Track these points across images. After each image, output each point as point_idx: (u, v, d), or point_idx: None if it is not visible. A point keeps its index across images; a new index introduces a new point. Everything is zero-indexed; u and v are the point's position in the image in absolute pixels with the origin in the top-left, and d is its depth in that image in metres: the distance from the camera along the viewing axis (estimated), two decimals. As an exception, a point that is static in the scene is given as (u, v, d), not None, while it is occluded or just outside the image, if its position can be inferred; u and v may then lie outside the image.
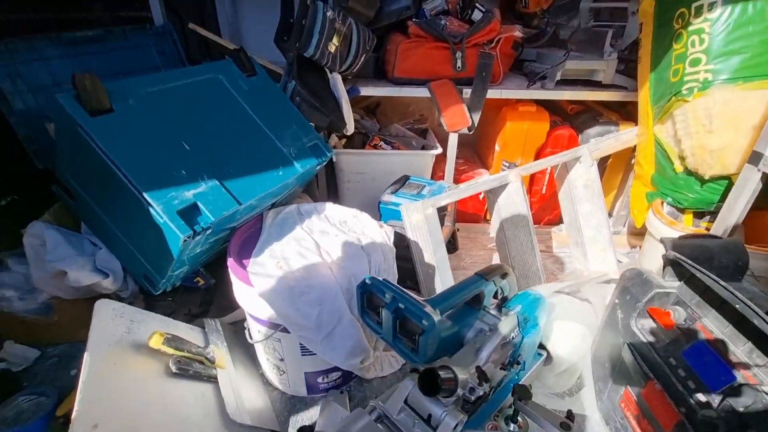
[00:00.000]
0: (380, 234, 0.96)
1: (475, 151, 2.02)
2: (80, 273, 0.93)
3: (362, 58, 1.36)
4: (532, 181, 1.73)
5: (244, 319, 0.98)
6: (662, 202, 1.26)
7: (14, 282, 1.05)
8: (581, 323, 0.99)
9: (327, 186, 1.71)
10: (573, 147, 1.41)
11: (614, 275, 1.34)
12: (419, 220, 1.08)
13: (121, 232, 0.90)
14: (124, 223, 0.88)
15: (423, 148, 1.67)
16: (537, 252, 1.23)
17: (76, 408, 0.64)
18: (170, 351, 0.87)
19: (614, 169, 1.63)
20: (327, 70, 1.31)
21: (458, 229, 1.62)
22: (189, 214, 0.79)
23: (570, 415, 0.69)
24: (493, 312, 0.82)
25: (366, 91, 1.50)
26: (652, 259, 1.30)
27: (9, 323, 1.06)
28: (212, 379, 0.91)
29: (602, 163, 1.62)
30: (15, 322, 1.05)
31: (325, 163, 1.11)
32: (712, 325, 0.68)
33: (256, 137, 0.98)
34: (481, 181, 1.19)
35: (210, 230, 0.81)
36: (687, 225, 1.22)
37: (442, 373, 0.62)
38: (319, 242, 0.92)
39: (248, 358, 1.08)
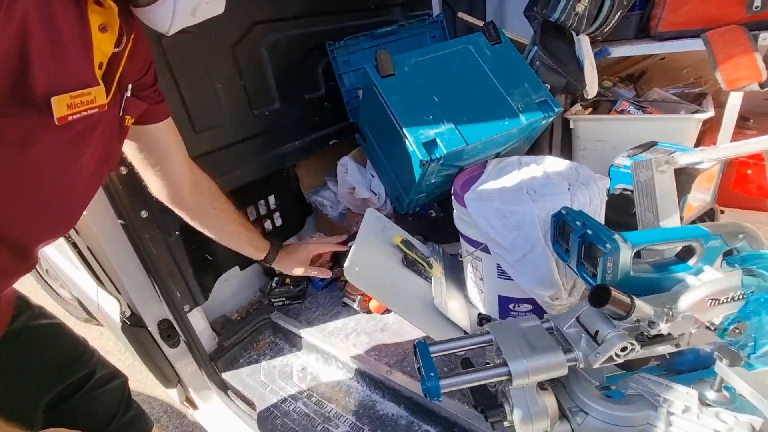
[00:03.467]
0: (593, 181, 0.98)
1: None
2: (361, 190, 1.40)
3: (616, 16, 1.30)
4: None
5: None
6: None
7: (329, 197, 1.66)
8: None
9: (561, 154, 1.72)
10: None
11: None
12: (648, 178, 1.00)
13: (387, 161, 1.30)
14: (390, 154, 1.26)
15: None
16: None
17: (348, 258, 1.04)
18: (404, 249, 1.20)
19: None
20: (573, 33, 1.34)
21: (723, 212, 1.31)
22: (429, 146, 1.06)
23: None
24: (711, 270, 0.74)
25: (619, 51, 1.42)
26: None
27: (323, 222, 1.69)
28: (428, 279, 1.20)
29: None
30: (327, 222, 1.66)
31: (552, 118, 1.18)
32: None
33: (489, 93, 1.17)
34: (753, 142, 0.97)
35: (442, 161, 1.07)
36: None
37: (616, 293, 0.65)
38: (529, 182, 1.03)
39: (458, 281, 1.31)
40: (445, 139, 1.07)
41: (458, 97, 1.15)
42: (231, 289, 1.45)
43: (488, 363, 0.76)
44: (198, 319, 1.27)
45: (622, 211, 1.17)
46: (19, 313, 0.69)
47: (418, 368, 0.75)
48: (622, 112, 1.50)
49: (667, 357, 0.80)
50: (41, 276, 2.23)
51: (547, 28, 1.32)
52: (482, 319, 0.91)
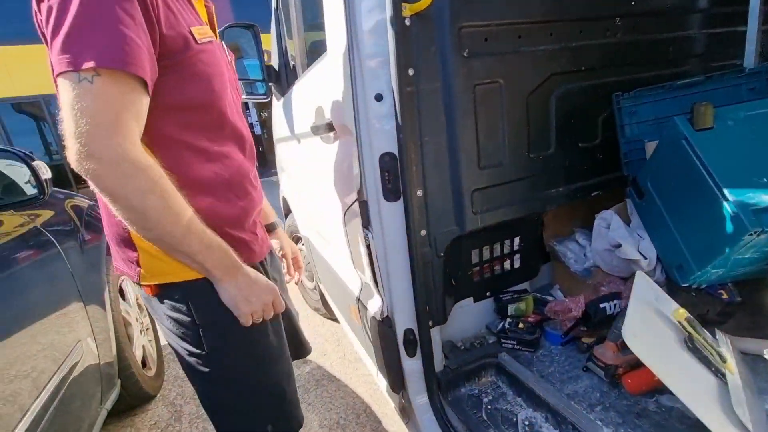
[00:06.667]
0: None
1: None
2: (629, 248, 1.25)
3: None
4: None
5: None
6: None
7: (575, 249, 1.56)
8: None
9: None
10: None
11: None
12: None
13: (675, 224, 1.13)
14: (683, 218, 1.10)
15: None
16: None
17: (626, 322, 0.93)
18: (689, 329, 1.00)
19: None
20: None
21: None
22: (761, 214, 0.87)
23: None
24: None
25: None
26: None
27: (563, 274, 1.59)
28: (718, 375, 0.96)
29: None
30: (567, 274, 1.56)
31: None
32: None
33: None
34: None
35: (777, 235, 0.86)
36: None
37: None
38: None
39: (756, 389, 1.01)
40: (788, 210, 0.86)
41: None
42: (461, 318, 1.52)
43: None
44: (434, 338, 1.37)
45: None
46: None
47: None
48: None
49: None
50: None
51: None
52: None
